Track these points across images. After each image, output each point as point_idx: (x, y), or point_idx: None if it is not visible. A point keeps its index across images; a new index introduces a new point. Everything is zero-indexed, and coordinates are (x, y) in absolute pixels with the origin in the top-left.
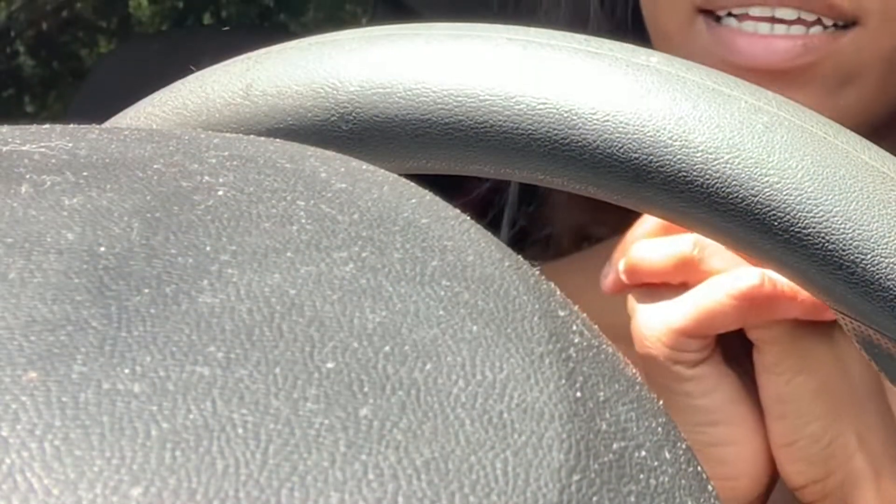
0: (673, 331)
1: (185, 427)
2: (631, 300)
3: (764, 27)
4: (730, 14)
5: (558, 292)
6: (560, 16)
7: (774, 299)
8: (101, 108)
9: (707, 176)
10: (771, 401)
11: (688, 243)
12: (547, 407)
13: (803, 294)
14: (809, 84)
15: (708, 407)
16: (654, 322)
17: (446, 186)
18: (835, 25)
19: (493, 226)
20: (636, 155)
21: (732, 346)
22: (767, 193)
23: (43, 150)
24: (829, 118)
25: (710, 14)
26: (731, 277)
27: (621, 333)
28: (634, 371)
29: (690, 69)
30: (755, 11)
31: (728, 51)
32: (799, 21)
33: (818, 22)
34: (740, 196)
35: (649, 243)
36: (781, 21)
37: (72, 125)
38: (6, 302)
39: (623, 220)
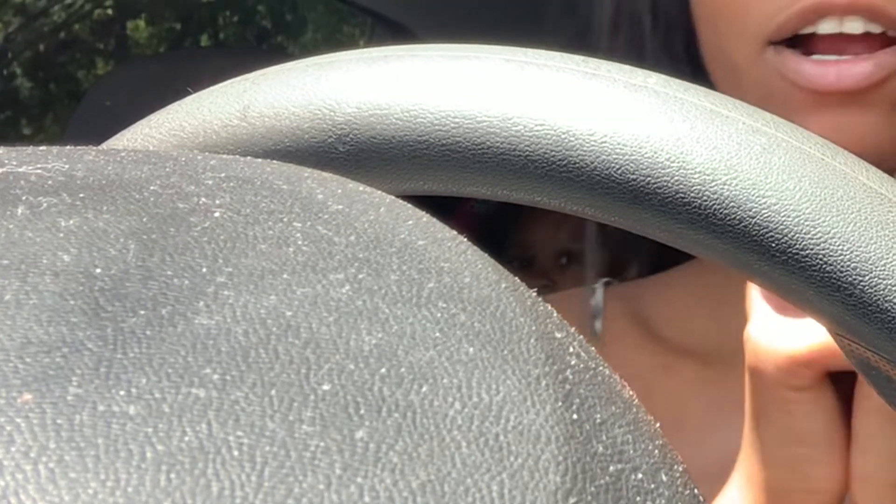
0: (792, 360)
1: (180, 449)
2: (751, 299)
3: (831, 59)
4: (796, 44)
5: (555, 314)
6: (618, 49)
7: None
8: (98, 129)
9: (705, 197)
10: (859, 432)
11: None
12: (543, 429)
13: None
14: (876, 103)
15: (805, 429)
16: (775, 344)
17: (442, 207)
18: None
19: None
20: (634, 176)
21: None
22: (765, 215)
23: (39, 171)
24: (892, 137)
25: (780, 42)
26: None
27: (698, 351)
28: (631, 393)
29: (688, 90)
30: (824, 27)
31: (801, 77)
32: (866, 37)
33: (882, 36)
34: (738, 217)
35: None
36: (848, 40)
37: (68, 147)
38: (1, 324)
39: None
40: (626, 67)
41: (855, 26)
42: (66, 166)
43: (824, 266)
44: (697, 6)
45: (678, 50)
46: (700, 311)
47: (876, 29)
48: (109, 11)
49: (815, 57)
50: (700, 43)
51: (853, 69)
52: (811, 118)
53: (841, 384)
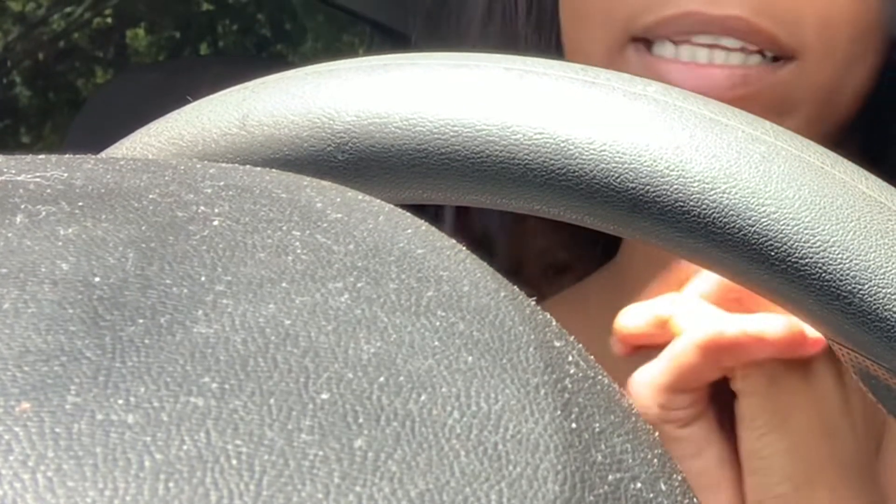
0: (656, 388)
1: (178, 458)
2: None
3: (702, 54)
4: (669, 40)
5: (554, 323)
6: (490, 38)
7: (740, 343)
8: (97, 138)
9: (704, 206)
10: (745, 454)
11: (663, 305)
12: (542, 438)
13: (772, 334)
14: None
15: (695, 469)
16: (641, 382)
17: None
18: (774, 58)
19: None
20: (633, 185)
21: (726, 407)
22: (764, 223)
23: (38, 179)
24: None
25: (643, 41)
26: (696, 328)
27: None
28: (630, 402)
29: (687, 98)
30: (699, 38)
31: (660, 80)
32: (741, 50)
33: (759, 52)
34: (737, 226)
35: (632, 309)
36: (722, 48)
37: (67, 155)
38: (0, 332)
39: (589, 246)
40: (626, 76)
41: (731, 42)
42: (65, 175)
43: (823, 275)
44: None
45: (552, 44)
46: (592, 333)
47: (752, 47)
48: (109, 20)
49: (683, 49)
50: (563, 38)
51: (718, 73)
52: None
53: (724, 409)
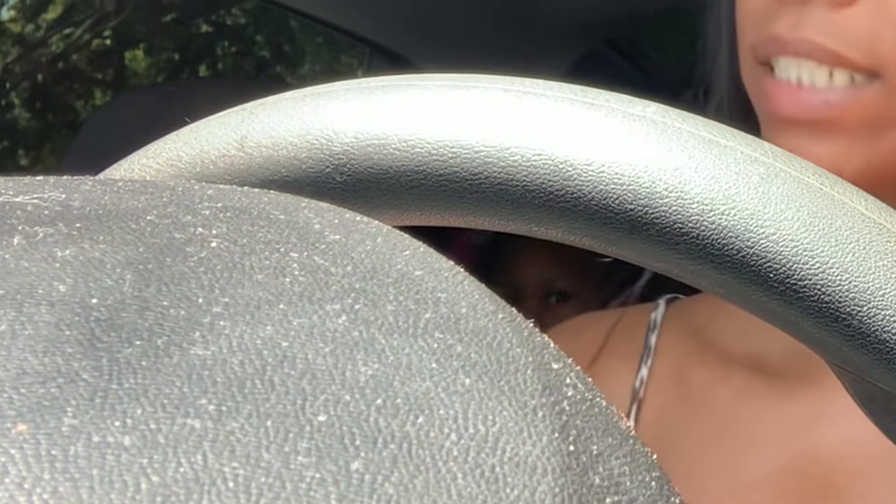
0: None
1: (175, 480)
2: None
3: (793, 74)
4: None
5: (552, 345)
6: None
7: None
8: (95, 159)
9: (703, 227)
10: None
11: None
12: (540, 461)
13: None
14: (834, 135)
15: None
16: None
17: (440, 238)
18: (856, 77)
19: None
20: (632, 206)
21: None
22: (763, 245)
23: (36, 201)
24: (860, 165)
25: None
26: None
27: (752, 363)
28: (628, 424)
29: (686, 120)
30: (781, 65)
31: (767, 101)
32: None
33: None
34: (736, 248)
35: None
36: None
37: (65, 176)
38: None
39: (585, 274)
40: (624, 97)
41: (813, 75)
42: (63, 196)
43: (822, 296)
44: None
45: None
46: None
47: (843, 77)
48: (108, 42)
49: (776, 73)
50: None
51: (805, 98)
52: (775, 138)
53: None
